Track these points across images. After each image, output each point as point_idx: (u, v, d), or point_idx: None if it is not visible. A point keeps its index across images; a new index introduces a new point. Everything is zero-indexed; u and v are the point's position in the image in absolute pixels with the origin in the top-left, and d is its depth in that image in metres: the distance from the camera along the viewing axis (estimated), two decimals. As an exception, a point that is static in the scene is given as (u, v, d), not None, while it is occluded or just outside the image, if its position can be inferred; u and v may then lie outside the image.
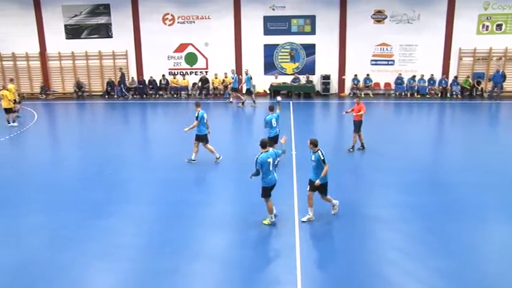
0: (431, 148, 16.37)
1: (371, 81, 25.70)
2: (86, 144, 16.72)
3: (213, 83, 25.96)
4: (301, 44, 25.76)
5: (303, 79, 25.89)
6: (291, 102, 23.89)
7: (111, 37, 26.46)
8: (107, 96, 26.49)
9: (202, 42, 25.99)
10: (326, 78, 25.74)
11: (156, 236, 9.19)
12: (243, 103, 23.32)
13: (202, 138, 13.48)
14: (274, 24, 25.56)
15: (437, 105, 23.95)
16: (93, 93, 27.14)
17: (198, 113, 13.25)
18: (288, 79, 25.95)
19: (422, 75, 25.28)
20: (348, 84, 26.06)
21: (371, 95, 25.57)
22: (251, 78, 23.59)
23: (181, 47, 26.17)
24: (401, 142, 16.12)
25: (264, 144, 9.26)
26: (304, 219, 9.50)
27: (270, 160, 9.17)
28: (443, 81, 25.27)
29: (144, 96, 26.09)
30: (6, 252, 8.61)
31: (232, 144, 16.68)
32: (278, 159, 10.31)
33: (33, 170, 13.90)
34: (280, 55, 26.02)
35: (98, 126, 20.60)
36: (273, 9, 25.29)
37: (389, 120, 21.16)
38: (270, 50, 25.92)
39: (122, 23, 26.03)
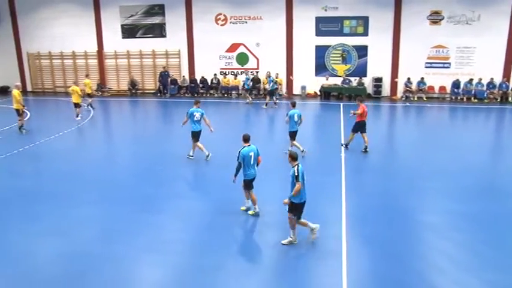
0: (488, 154, 15.81)
1: (425, 84, 25.04)
2: (138, 141, 17.26)
3: (263, 83, 26.13)
4: (353, 46, 25.48)
5: (354, 81, 25.59)
6: (341, 104, 23.70)
7: (165, 37, 27.22)
8: (159, 94, 27.26)
9: (253, 42, 26.23)
10: (378, 80, 25.34)
11: (202, 232, 9.41)
12: (266, 104, 23.30)
13: (194, 135, 13.97)
14: (326, 25, 25.42)
15: (496, 110, 23.00)
16: (146, 91, 28.00)
17: (188, 111, 13.88)
18: (338, 81, 25.73)
19: (480, 79, 24.35)
20: (401, 87, 25.49)
21: (424, 99, 24.92)
22: (273, 80, 23.78)
23: (233, 47, 26.53)
24: (456, 147, 15.66)
25: (246, 139, 9.83)
26: (285, 242, 8.73)
27: (252, 154, 9.69)
28: (504, 85, 24.24)
29: (195, 95, 26.61)
30: (59, 242, 9.09)
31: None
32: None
33: (87, 164, 14.55)
34: (332, 56, 25.85)
35: (149, 123, 21.23)
36: (325, 10, 25.17)
37: (442, 125, 20.53)
38: (321, 51, 25.81)
39: (176, 23, 26.71)
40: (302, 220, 8.77)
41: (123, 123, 21.79)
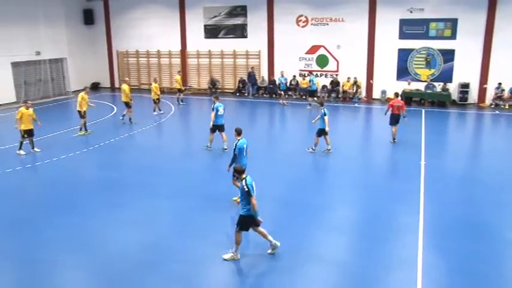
0: None
1: (518, 91, 23.55)
2: (217, 138, 17.75)
3: (343, 86, 25.94)
4: (438, 50, 24.59)
5: (438, 86, 24.66)
6: (423, 110, 23.04)
7: (246, 37, 27.92)
8: (238, 94, 27.97)
9: (334, 44, 26.18)
10: (465, 86, 24.25)
11: (273, 233, 9.64)
12: (310, 104, 23.97)
13: (218, 128, 15.47)
14: (410, 28, 24.77)
15: None
16: (226, 91, 28.84)
17: (214, 105, 15.39)
18: (421, 86, 24.92)
19: None
20: (490, 94, 24.13)
21: (517, 107, 23.47)
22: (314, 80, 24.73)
23: (313, 49, 26.64)
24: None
25: (239, 132, 11.00)
26: (226, 257, 8.68)
27: (245, 146, 10.87)
28: None
29: (274, 95, 26.98)
30: (136, 232, 9.85)
31: (365, 150, 16.66)
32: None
33: (167, 158, 15.40)
34: (415, 60, 25.13)
35: (227, 122, 21.71)
36: (411, 12, 24.51)
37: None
38: (404, 55, 25.20)
39: (257, 24, 27.31)
40: (260, 229, 8.70)
41: (202, 120, 22.63)
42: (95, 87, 31.29)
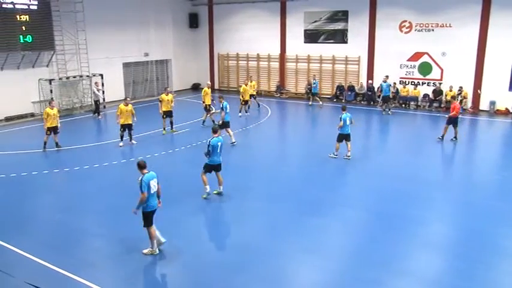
0: None
1: None
2: (310, 143, 17.95)
3: (446, 95, 24.77)
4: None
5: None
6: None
7: (346, 43, 27.73)
8: (335, 100, 27.84)
9: (439, 51, 25.11)
10: None
11: (364, 243, 9.66)
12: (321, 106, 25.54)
13: (226, 124, 17.27)
14: (529, 34, 22.94)
15: None
16: (323, 96, 28.81)
17: (223, 104, 17.36)
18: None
19: None
20: None
21: None
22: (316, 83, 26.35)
23: (416, 56, 25.77)
24: None
25: (215, 131, 11.91)
26: (145, 251, 9.18)
27: (219, 144, 11.73)
28: None
29: (372, 103, 26.48)
30: (228, 231, 10.20)
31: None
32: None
33: (260, 159, 15.81)
34: (532, 70, 23.23)
35: (323, 127, 21.77)
36: (530, 17, 22.71)
37: None
38: (519, 63, 23.37)
39: (358, 29, 27.03)
40: (154, 230, 9.11)
41: (296, 125, 22.94)
42: (196, 87, 32.88)
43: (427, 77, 25.77)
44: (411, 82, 26.27)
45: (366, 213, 11.37)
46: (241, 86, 23.65)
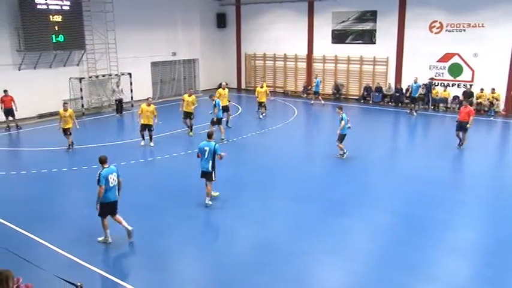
0: None
1: None
2: (334, 143, 17.73)
3: (477, 98, 24.25)
4: None
5: None
6: None
7: (374, 43, 27.48)
8: (362, 101, 27.60)
9: (470, 52, 24.62)
10: None
11: (391, 246, 9.58)
12: (323, 104, 26.29)
13: (217, 121, 17.96)
14: None
15: None
16: (350, 97, 28.62)
17: (215, 101, 17.83)
18: None
19: None
20: None
21: None
22: (320, 82, 27.07)
23: (446, 57, 25.33)
24: None
25: (209, 135, 11.69)
26: (100, 239, 9.80)
27: (207, 149, 11.35)
28: None
29: (400, 104, 26.16)
30: (259, 230, 10.27)
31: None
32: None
33: (285, 158, 15.82)
34: None
35: (350, 129, 21.59)
36: None
37: None
38: (555, 65, 22.73)
39: (387, 30, 26.75)
40: (117, 217, 9.68)
41: (322, 126, 22.83)
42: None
43: (458, 78, 25.29)
44: (441, 83, 25.81)
45: (393, 215, 11.27)
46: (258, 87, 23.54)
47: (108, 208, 9.57)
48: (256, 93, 23.34)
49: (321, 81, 27.18)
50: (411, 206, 11.77)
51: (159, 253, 9.44)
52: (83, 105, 24.56)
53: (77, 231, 10.43)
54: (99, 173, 9.30)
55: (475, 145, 17.45)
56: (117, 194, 9.63)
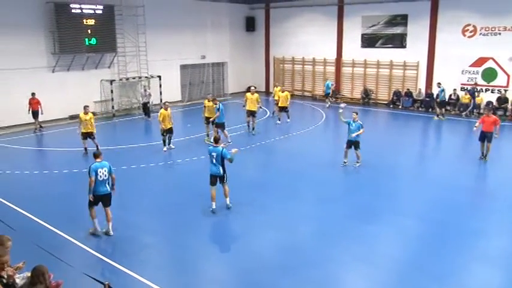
0: None
1: None
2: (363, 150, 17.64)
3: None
4: None
5: None
6: None
7: (405, 47, 27.14)
8: (391, 106, 27.25)
9: (506, 56, 23.96)
10: None
11: (420, 254, 9.45)
12: (329, 106, 26.84)
13: (220, 125, 17.72)
14: None
15: None
16: (379, 102, 28.30)
17: (219, 106, 17.68)
18: None
19: None
20: None
21: None
22: (332, 85, 27.73)
23: (480, 61, 24.77)
24: None
25: (216, 140, 11.71)
26: (90, 230, 10.41)
27: (214, 154, 11.28)
28: None
29: (430, 109, 25.71)
30: (282, 234, 10.33)
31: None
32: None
33: (312, 162, 15.74)
34: None
35: (376, 134, 21.34)
36: None
37: None
38: None
39: (418, 34, 26.39)
40: (108, 211, 10.30)
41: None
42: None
43: (492, 83, 24.70)
44: (474, 89, 25.24)
45: (421, 222, 11.08)
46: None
47: (96, 200, 10.20)
48: (275, 96, 23.30)
49: (332, 84, 27.60)
50: (440, 213, 11.54)
51: (184, 254, 9.54)
52: (113, 107, 25.07)
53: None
54: (90, 166, 10.10)
55: (508, 153, 17.01)
56: (107, 187, 10.25)
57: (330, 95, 28.29)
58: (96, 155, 10.46)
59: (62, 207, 11.98)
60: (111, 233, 10.31)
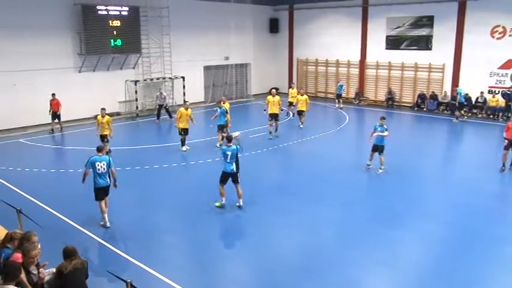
0: None
1: None
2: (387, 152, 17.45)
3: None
4: None
5: None
6: None
7: (430, 49, 26.76)
8: (416, 109, 26.91)
9: (536, 58, 23.36)
10: None
11: (444, 260, 9.30)
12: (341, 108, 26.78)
13: (220, 127, 17.58)
14: None
15: None
16: (403, 104, 27.98)
17: (220, 108, 17.60)
18: None
19: None
20: None
21: None
22: (342, 86, 27.68)
23: (509, 64, 24.22)
24: None
25: (229, 139, 11.79)
26: (101, 223, 10.81)
27: (229, 153, 11.48)
28: None
29: (455, 112, 25.22)
30: (304, 236, 10.33)
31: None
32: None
33: (336, 166, 15.65)
34: None
35: (400, 136, 21.06)
36: None
37: None
38: None
39: (444, 36, 25.97)
40: (102, 205, 10.66)
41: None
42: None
43: (520, 86, 24.17)
44: (501, 92, 24.73)
45: (446, 227, 10.91)
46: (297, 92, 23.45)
47: (101, 192, 10.66)
48: (289, 97, 23.29)
49: (344, 85, 27.88)
50: (465, 219, 11.35)
51: (205, 254, 9.61)
52: (137, 107, 25.40)
53: (128, 230, 10.79)
54: (88, 159, 10.62)
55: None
56: (107, 180, 10.68)
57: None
58: (98, 149, 10.90)
59: (85, 206, 12.14)
60: (108, 225, 10.72)
